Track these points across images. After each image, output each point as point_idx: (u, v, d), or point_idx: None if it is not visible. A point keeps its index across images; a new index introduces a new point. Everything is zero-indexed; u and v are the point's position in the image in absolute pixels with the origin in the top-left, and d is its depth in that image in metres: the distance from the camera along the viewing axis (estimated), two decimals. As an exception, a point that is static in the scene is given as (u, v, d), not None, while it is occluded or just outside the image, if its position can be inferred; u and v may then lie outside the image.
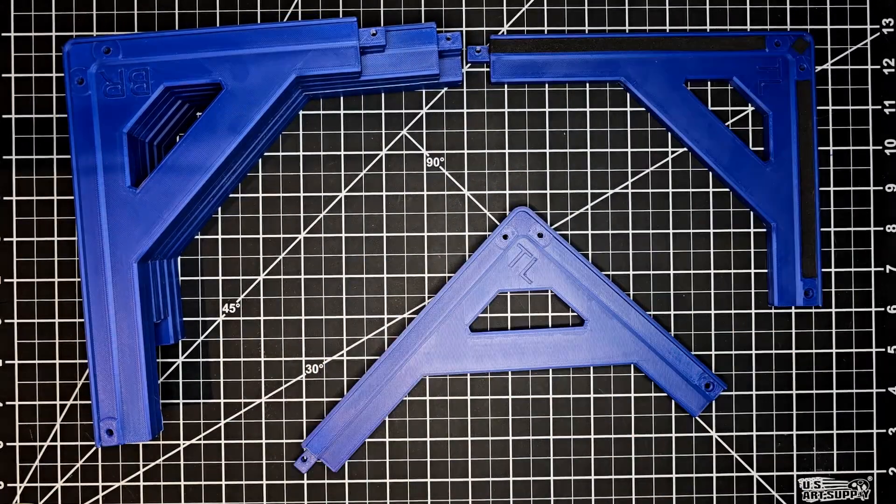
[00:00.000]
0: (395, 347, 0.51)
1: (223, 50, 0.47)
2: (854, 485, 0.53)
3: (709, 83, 0.53)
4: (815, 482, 0.53)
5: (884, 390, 0.53)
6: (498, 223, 0.53)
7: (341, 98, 0.52)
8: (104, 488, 0.52)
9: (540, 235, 0.51)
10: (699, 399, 0.52)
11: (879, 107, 0.53)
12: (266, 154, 0.52)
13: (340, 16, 0.52)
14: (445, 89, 0.52)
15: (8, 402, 0.52)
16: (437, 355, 0.51)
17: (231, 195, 0.52)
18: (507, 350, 0.52)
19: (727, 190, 0.53)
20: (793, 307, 0.53)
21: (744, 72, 0.52)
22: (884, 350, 0.53)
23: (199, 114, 0.52)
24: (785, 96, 0.51)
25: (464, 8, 0.53)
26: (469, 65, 0.53)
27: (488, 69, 0.52)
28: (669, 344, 0.51)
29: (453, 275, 0.52)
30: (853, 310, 0.53)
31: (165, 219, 0.47)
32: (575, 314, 0.52)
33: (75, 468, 0.52)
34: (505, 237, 0.51)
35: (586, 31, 0.53)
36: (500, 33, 0.52)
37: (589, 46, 0.51)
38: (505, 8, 0.53)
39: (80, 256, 0.47)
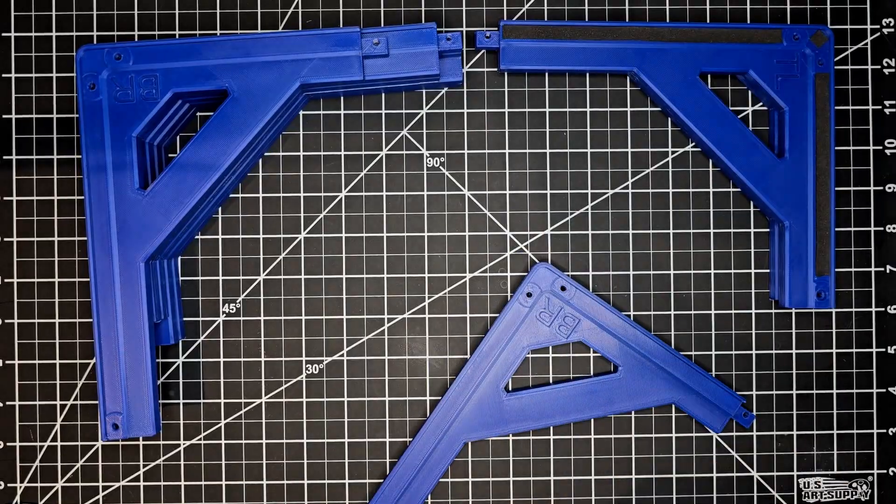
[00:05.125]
0: (434, 419, 0.51)
1: (230, 58, 0.48)
2: (854, 485, 0.53)
3: (709, 78, 0.52)
4: (816, 482, 0.53)
5: (884, 390, 0.53)
6: (498, 223, 0.53)
7: (341, 98, 0.52)
8: (104, 488, 0.52)
9: (563, 289, 0.51)
10: (732, 420, 0.53)
11: (879, 107, 0.53)
12: (266, 154, 0.52)
13: (341, 16, 0.52)
14: (446, 89, 0.52)
15: (8, 402, 0.52)
16: (477, 421, 0.51)
17: (231, 195, 0.52)
18: (543, 406, 0.51)
19: (728, 190, 0.53)
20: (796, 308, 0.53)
21: (761, 65, 0.50)
22: (884, 350, 0.53)
23: (199, 114, 0.52)
24: (802, 91, 0.50)
25: (464, 8, 0.53)
26: (469, 65, 0.53)
27: (489, 69, 0.52)
28: (704, 379, 0.51)
29: (483, 337, 0.51)
30: (853, 310, 0.53)
31: (172, 221, 0.48)
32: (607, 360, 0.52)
33: (75, 468, 0.52)
34: (529, 295, 0.51)
35: (606, 19, 0.52)
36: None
37: (603, 35, 0.50)
38: (505, 8, 0.53)
39: (90, 256, 0.48)
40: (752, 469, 0.53)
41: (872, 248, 0.53)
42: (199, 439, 0.52)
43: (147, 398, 0.48)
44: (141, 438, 0.52)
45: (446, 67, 0.51)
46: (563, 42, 0.51)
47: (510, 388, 0.52)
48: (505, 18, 0.52)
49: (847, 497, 0.53)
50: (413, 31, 0.49)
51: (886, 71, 0.53)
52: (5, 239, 0.52)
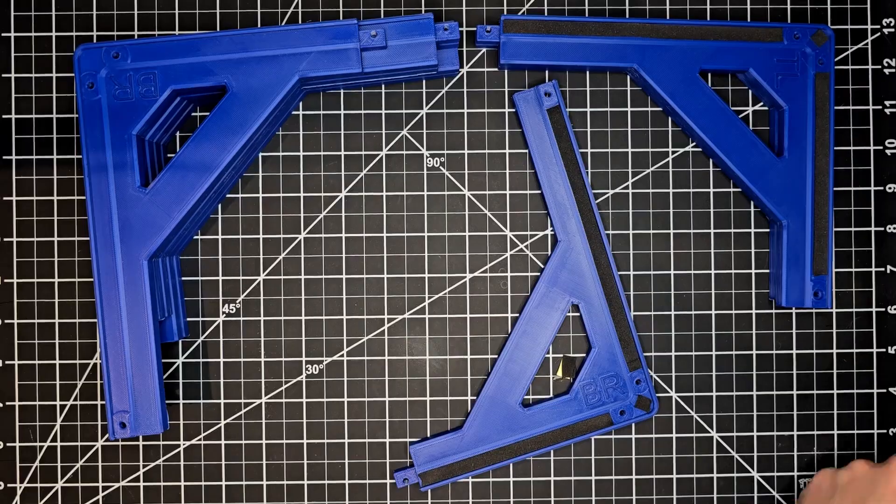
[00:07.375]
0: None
1: (228, 53, 0.48)
2: (854, 485, 0.53)
3: (709, 77, 0.52)
4: (816, 482, 0.53)
5: (884, 391, 0.53)
6: (498, 223, 0.53)
7: (341, 98, 0.52)
8: (104, 488, 0.52)
9: None
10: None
11: (880, 107, 0.53)
12: (266, 154, 0.52)
13: (340, 15, 0.52)
14: (446, 89, 0.52)
15: (8, 402, 0.52)
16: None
17: (231, 195, 0.52)
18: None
19: (728, 190, 0.53)
20: (793, 307, 0.53)
21: (761, 63, 0.50)
22: (884, 350, 0.53)
23: (198, 110, 0.52)
24: (802, 90, 0.50)
25: (464, 8, 0.53)
26: (469, 65, 0.52)
27: (490, 69, 0.52)
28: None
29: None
30: (854, 310, 0.53)
31: (174, 218, 0.48)
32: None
33: (75, 468, 0.52)
34: None
35: (606, 15, 0.52)
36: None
37: (603, 31, 0.50)
38: (505, 8, 0.53)
39: (93, 255, 0.48)
40: (753, 469, 0.53)
41: (872, 248, 0.53)
42: (199, 439, 0.52)
43: (154, 396, 0.48)
44: (141, 438, 0.52)
45: (444, 58, 0.51)
46: (563, 38, 0.50)
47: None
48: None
49: (847, 497, 0.53)
50: (410, 21, 0.49)
51: (887, 71, 0.53)
52: (5, 239, 0.52)
